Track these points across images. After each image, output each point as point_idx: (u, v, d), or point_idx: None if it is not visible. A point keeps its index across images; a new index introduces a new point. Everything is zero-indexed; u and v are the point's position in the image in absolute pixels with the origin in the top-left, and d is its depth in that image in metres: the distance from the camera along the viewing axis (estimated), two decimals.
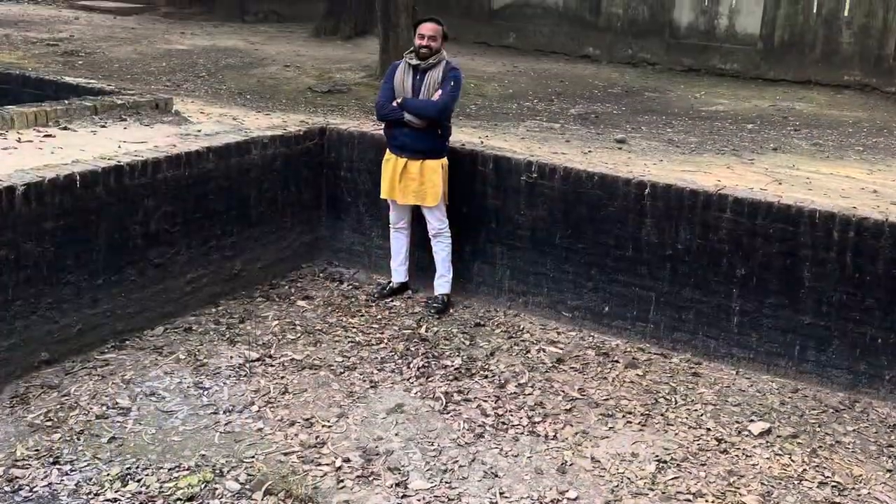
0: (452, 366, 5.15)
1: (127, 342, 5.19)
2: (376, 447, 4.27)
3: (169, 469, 3.99)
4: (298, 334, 5.46)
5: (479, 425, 4.52)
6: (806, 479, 4.20)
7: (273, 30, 18.69)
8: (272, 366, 5.02)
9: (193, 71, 13.32)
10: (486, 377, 5.05)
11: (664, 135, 10.71)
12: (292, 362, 5.08)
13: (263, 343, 5.30)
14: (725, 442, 4.50)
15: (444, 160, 5.89)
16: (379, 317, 5.80)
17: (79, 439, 4.18)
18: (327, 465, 4.09)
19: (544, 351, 5.45)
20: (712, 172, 8.05)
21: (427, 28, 5.78)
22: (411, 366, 5.11)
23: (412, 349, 5.33)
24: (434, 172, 5.79)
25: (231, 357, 5.08)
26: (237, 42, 16.39)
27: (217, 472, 3.99)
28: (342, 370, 5.02)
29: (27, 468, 3.93)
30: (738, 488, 4.09)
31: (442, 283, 6.02)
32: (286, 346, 5.28)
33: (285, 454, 4.17)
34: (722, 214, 5.33)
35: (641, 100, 13.46)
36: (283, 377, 4.89)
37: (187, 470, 3.99)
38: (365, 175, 6.43)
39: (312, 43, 16.98)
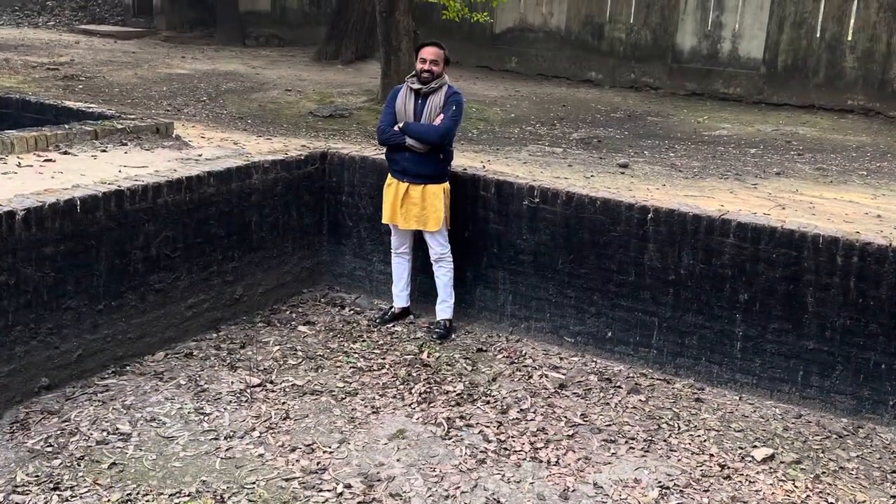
0: (454, 391, 5.19)
1: (127, 367, 5.24)
2: (378, 473, 4.30)
3: (170, 495, 4.03)
4: (300, 360, 5.51)
5: (482, 451, 4.55)
6: None
7: (274, 54, 18.88)
8: (273, 391, 5.06)
9: (194, 95, 13.46)
10: (488, 403, 5.09)
11: (667, 159, 10.81)
12: (293, 388, 5.12)
13: (264, 368, 5.34)
14: (728, 468, 4.53)
15: (446, 185, 5.96)
16: (380, 342, 5.85)
17: (79, 465, 4.22)
18: (328, 491, 4.13)
19: (546, 376, 5.49)
20: (715, 197, 8.13)
21: (429, 52, 5.87)
22: (413, 391, 5.15)
23: (414, 375, 5.37)
24: (436, 197, 5.86)
25: (232, 382, 5.12)
26: (238, 66, 16.57)
27: (218, 498, 4.02)
28: (343, 396, 5.07)
29: (27, 494, 3.97)
30: None
31: (444, 309, 6.07)
32: (287, 372, 5.33)
33: (286, 480, 4.21)
34: (725, 239, 5.39)
35: (644, 124, 13.58)
36: (284, 403, 4.94)
37: (188, 496, 4.03)
38: (366, 200, 6.51)
39: (314, 67, 17.16)
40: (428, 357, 5.65)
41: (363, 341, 5.84)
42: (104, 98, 12.32)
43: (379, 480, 4.24)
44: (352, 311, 6.36)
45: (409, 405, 4.99)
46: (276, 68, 16.66)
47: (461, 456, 4.50)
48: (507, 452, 4.57)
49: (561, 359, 5.77)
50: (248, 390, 5.05)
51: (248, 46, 19.77)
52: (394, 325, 6.13)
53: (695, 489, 4.32)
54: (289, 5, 21.70)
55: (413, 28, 12.98)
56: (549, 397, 5.21)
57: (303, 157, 6.50)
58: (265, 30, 20.96)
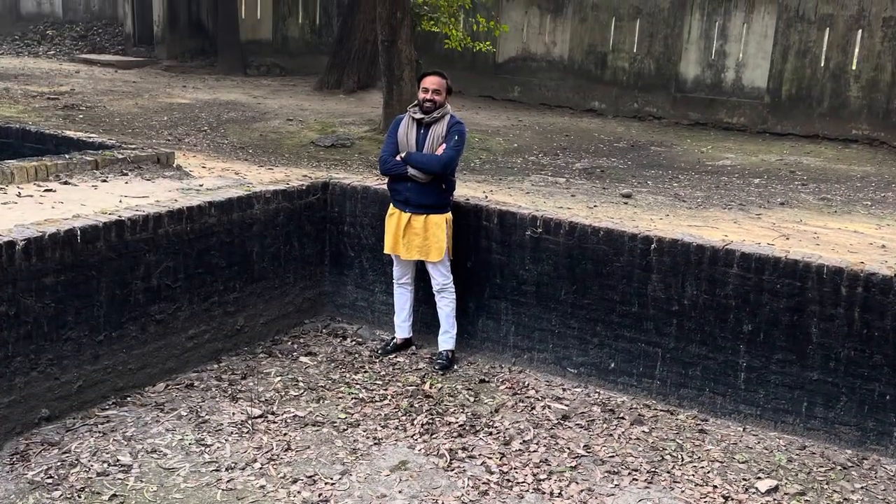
0: (457, 422, 5.23)
1: (128, 399, 5.29)
2: None
3: None
4: (301, 391, 5.56)
5: (484, 482, 4.59)
6: None
7: (276, 83, 19.11)
8: (275, 422, 5.11)
9: (195, 125, 13.62)
10: (491, 434, 5.13)
11: (670, 189, 10.92)
12: (295, 419, 5.17)
13: (266, 399, 5.40)
14: (732, 499, 4.56)
15: (449, 215, 6.03)
16: (383, 373, 5.90)
17: (80, 497, 4.26)
18: None
19: (549, 407, 5.54)
20: (719, 227, 8.22)
21: (431, 81, 5.97)
22: (415, 422, 5.20)
23: (416, 406, 5.42)
24: (438, 227, 5.94)
25: (233, 414, 5.17)
26: (239, 96, 16.76)
27: None
28: (345, 427, 5.11)
29: None
30: None
31: (446, 339, 6.13)
32: (289, 403, 5.38)
33: None
34: (729, 270, 5.45)
35: (647, 154, 13.71)
36: (285, 434, 4.98)
37: None
38: (368, 230, 6.60)
39: (315, 96, 17.37)
40: (430, 388, 5.70)
41: (365, 372, 5.90)
42: (105, 128, 12.48)
43: None
44: (353, 342, 6.42)
45: (412, 436, 5.04)
46: (277, 98, 16.86)
47: (463, 487, 4.53)
48: (510, 484, 4.61)
49: (564, 390, 5.81)
50: (250, 421, 5.09)
51: (250, 76, 20.00)
52: (396, 356, 6.18)
53: None
54: (290, 34, 21.98)
55: (415, 57, 13.16)
56: (552, 428, 5.25)
57: (304, 187, 6.59)
58: (266, 59, 21.21)
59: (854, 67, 15.29)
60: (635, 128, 16.26)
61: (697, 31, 16.71)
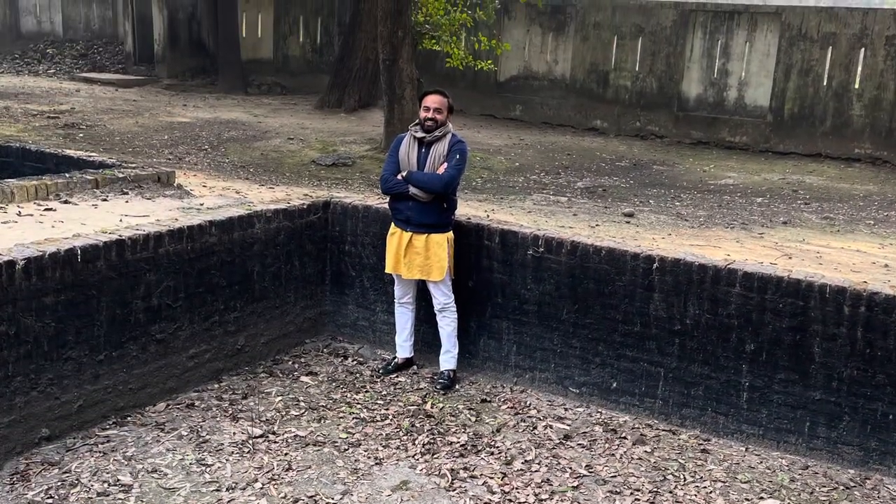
0: (458, 442, 5.26)
1: (129, 418, 5.33)
2: None
3: None
4: (302, 410, 5.59)
5: (486, 502, 4.62)
6: None
7: (276, 102, 19.23)
8: (276, 442, 5.14)
9: (196, 144, 13.71)
10: (493, 454, 5.16)
11: (672, 208, 10.98)
12: (296, 439, 5.20)
13: (267, 419, 5.43)
14: None
15: (450, 234, 6.08)
16: (384, 393, 5.93)
17: None
18: None
19: (551, 427, 5.56)
20: (721, 246, 8.27)
21: (432, 100, 6.04)
22: (416, 442, 5.22)
23: (417, 425, 5.45)
24: (439, 246, 5.98)
25: (234, 433, 5.20)
26: (240, 114, 16.87)
27: None
28: (346, 447, 5.14)
29: None
30: None
31: (447, 359, 6.17)
32: (290, 423, 5.41)
33: None
34: (731, 289, 5.50)
35: (649, 173, 13.78)
36: (286, 454, 5.01)
37: None
38: (369, 249, 6.65)
39: (316, 115, 17.48)
40: (431, 408, 5.73)
41: (366, 392, 5.93)
42: (105, 147, 12.57)
43: None
44: (355, 362, 6.45)
45: (413, 456, 5.07)
46: (278, 116, 16.97)
47: None
48: None
49: (566, 409, 5.84)
50: (251, 441, 5.12)
51: (251, 94, 20.13)
52: (397, 376, 6.21)
53: None
54: (291, 53, 22.14)
55: (417, 76, 13.27)
56: (553, 448, 5.28)
57: (305, 206, 6.64)
58: (267, 78, 21.36)
59: (857, 86, 15.39)
60: (637, 146, 16.34)
61: (700, 49, 16.82)
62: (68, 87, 19.24)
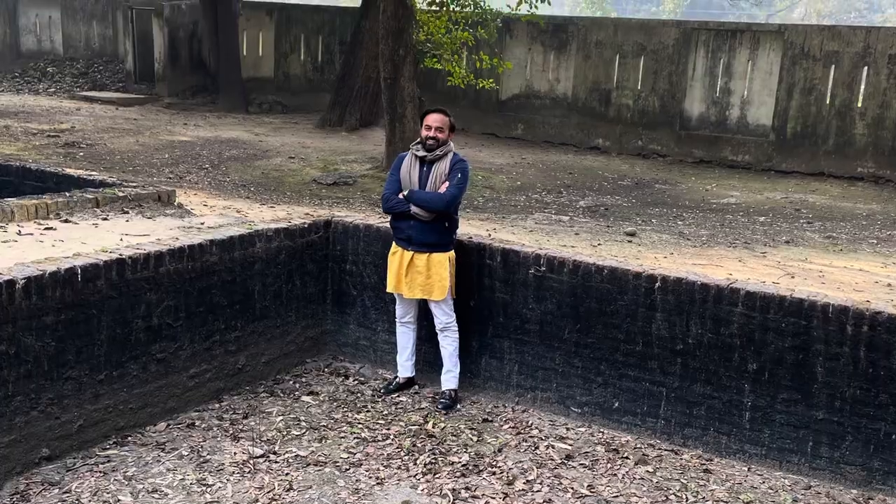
0: (460, 462, 5.29)
1: (129, 438, 5.36)
2: None
3: None
4: (303, 430, 5.62)
5: None
6: None
7: (277, 121, 19.35)
8: (276, 462, 5.17)
9: (197, 162, 13.79)
10: (494, 474, 5.18)
11: (675, 227, 11.03)
12: (297, 458, 5.23)
13: (268, 439, 5.46)
14: None
15: (452, 253, 6.11)
16: (385, 412, 5.96)
17: None
18: None
19: (553, 447, 5.59)
20: (724, 266, 8.32)
21: (434, 119, 6.08)
22: (418, 462, 5.25)
23: (419, 445, 5.48)
24: (441, 266, 6.01)
25: (235, 453, 5.23)
26: (241, 133, 16.98)
27: None
28: (348, 466, 5.17)
29: None
30: None
31: (449, 379, 6.20)
32: (291, 443, 5.44)
33: None
34: (734, 308, 5.54)
35: (652, 192, 13.85)
36: (287, 474, 5.04)
37: None
38: (370, 268, 6.69)
39: (317, 134, 17.59)
40: (433, 427, 5.75)
41: (367, 412, 5.96)
42: (105, 165, 12.66)
43: None
44: (356, 381, 6.48)
45: (414, 476, 5.09)
46: (279, 135, 17.08)
47: None
48: None
49: (567, 429, 5.87)
50: (251, 461, 5.15)
51: (252, 113, 20.26)
52: (399, 396, 6.24)
53: None
54: (292, 72, 22.30)
55: (418, 94, 13.37)
56: (555, 468, 5.30)
57: (306, 226, 6.69)
58: (268, 96, 21.50)
59: (860, 105, 15.49)
60: (639, 165, 16.43)
61: (702, 68, 16.95)
62: (68, 106, 19.38)
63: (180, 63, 21.84)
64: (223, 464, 5.11)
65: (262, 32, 22.18)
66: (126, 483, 4.84)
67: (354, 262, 6.78)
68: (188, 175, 12.75)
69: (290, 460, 5.21)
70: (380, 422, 5.80)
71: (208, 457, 5.18)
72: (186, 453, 5.21)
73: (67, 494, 4.68)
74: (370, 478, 5.05)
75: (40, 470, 4.89)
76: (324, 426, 5.69)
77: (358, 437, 5.55)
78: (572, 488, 5.08)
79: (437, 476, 5.11)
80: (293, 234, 6.57)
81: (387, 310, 6.60)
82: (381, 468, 5.17)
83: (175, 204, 7.72)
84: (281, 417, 5.78)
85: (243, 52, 21.61)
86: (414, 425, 5.78)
